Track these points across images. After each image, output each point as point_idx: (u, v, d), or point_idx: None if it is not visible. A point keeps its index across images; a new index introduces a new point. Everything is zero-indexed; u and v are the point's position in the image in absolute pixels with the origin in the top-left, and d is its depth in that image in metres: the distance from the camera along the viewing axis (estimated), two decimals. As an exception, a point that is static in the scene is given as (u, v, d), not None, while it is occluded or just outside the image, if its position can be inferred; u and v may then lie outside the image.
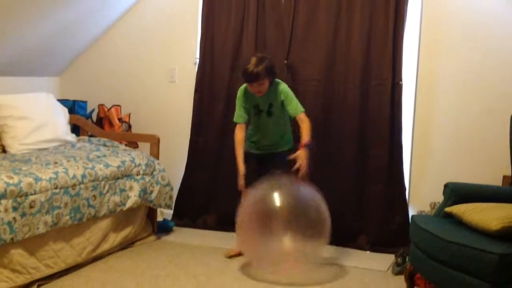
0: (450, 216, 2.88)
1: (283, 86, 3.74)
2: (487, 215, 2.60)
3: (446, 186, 3.09)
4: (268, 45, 4.35)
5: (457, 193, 3.00)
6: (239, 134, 3.79)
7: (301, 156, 3.48)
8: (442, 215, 2.98)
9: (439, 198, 3.22)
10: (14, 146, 3.91)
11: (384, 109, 4.06)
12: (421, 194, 4.14)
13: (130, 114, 4.80)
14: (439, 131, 4.10)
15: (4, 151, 3.93)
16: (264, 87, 3.66)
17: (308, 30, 4.24)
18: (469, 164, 4.00)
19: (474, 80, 3.98)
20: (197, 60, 4.59)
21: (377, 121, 4.09)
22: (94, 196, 3.52)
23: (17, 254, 3.03)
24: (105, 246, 3.71)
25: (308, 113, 4.24)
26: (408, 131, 4.17)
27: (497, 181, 3.67)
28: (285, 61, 4.28)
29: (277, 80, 3.76)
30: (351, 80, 4.14)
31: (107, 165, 3.69)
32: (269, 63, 3.64)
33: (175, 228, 4.45)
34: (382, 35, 4.04)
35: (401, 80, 4.03)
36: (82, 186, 3.42)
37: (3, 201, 2.88)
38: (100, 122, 4.75)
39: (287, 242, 3.29)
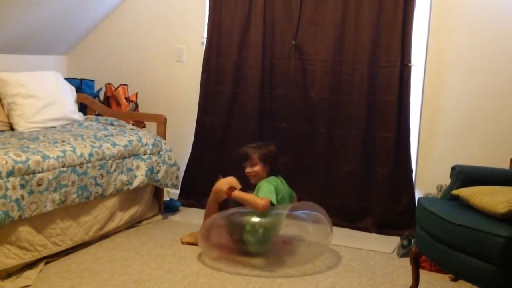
0: (456, 199, 2.87)
1: (262, 182, 3.51)
2: (494, 198, 2.59)
3: (453, 168, 3.08)
4: (276, 25, 4.33)
5: (464, 175, 2.98)
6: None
7: (219, 183, 3.51)
8: (448, 197, 2.97)
9: (446, 180, 3.22)
10: (22, 124, 3.92)
11: (392, 90, 4.04)
12: (427, 176, 4.14)
13: (137, 93, 4.79)
14: (447, 113, 4.08)
15: (12, 129, 3.94)
16: (256, 170, 3.57)
17: (316, 10, 4.21)
18: (476, 147, 3.99)
19: (483, 63, 3.94)
20: (205, 40, 4.57)
21: (385, 102, 4.08)
22: (101, 175, 3.53)
23: (25, 232, 3.05)
24: (112, 225, 3.73)
25: (315, 94, 4.27)
26: (416, 113, 4.15)
27: (504, 164, 3.65)
28: (293, 42, 4.25)
29: (270, 179, 3.54)
30: (360, 61, 4.11)
31: (114, 144, 3.70)
32: (269, 151, 3.60)
33: (181, 208, 4.47)
34: (391, 15, 4.00)
35: (410, 61, 4.01)
36: (89, 164, 3.43)
37: (11, 179, 2.89)
38: (107, 101, 4.75)
39: None
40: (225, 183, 3.54)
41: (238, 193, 3.43)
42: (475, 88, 3.98)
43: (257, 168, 3.58)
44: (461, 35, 3.99)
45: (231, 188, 3.47)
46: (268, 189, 3.42)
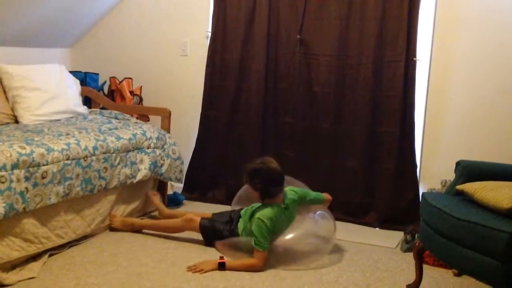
0: (461, 194, 2.86)
1: (261, 213, 3.27)
2: (498, 194, 2.58)
3: (458, 163, 3.07)
4: (281, 19, 4.32)
5: (469, 171, 2.98)
6: None
7: (205, 263, 3.19)
8: (453, 192, 2.96)
9: (450, 176, 3.21)
10: (27, 117, 3.92)
11: (397, 85, 4.03)
12: (432, 171, 4.13)
13: (141, 87, 4.79)
14: (452, 108, 4.07)
15: (16, 121, 3.94)
16: (252, 194, 3.42)
17: (321, 4, 4.20)
18: (481, 142, 3.97)
19: (489, 59, 3.93)
20: (209, 34, 4.57)
21: (390, 97, 4.07)
22: (105, 168, 3.53)
23: (29, 224, 3.06)
24: (116, 218, 3.75)
25: (320, 89, 4.26)
26: (421, 108, 4.14)
27: (509, 160, 3.62)
28: (298, 36, 4.25)
29: (273, 204, 3.34)
30: (365, 55, 4.11)
31: (118, 138, 3.71)
32: (251, 171, 3.34)
33: (185, 201, 4.48)
34: (397, 10, 3.99)
35: (415, 56, 4.00)
36: (93, 158, 3.44)
37: (16, 171, 2.90)
38: (111, 94, 4.75)
39: None
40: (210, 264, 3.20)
41: (230, 264, 3.19)
42: (481, 84, 3.97)
43: (253, 193, 3.43)
44: (467, 30, 3.97)
45: (222, 263, 3.18)
46: (260, 234, 3.22)
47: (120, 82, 4.72)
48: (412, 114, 4.05)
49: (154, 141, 3.99)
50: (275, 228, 3.29)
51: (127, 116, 4.33)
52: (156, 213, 4.07)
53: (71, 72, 4.59)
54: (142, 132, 3.94)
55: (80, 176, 3.33)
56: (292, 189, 3.52)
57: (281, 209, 3.35)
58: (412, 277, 3.10)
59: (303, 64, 4.28)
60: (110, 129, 3.81)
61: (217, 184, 4.60)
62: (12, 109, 3.96)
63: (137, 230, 3.73)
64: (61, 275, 2.99)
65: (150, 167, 3.92)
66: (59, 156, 3.18)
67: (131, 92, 4.71)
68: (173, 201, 4.38)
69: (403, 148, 4.07)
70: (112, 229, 3.70)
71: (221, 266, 3.17)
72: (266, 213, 3.29)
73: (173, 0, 4.77)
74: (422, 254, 3.04)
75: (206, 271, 3.12)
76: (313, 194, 3.59)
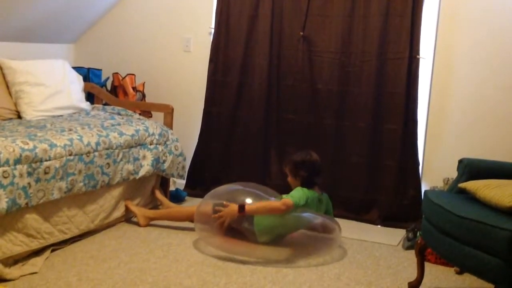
0: (463, 192, 2.86)
1: (296, 188, 3.51)
2: (501, 192, 2.58)
3: (460, 161, 3.07)
4: (285, 16, 4.32)
5: (472, 169, 2.97)
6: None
7: (228, 208, 3.38)
8: (455, 190, 2.96)
9: (453, 174, 3.21)
10: (29, 112, 3.92)
11: (400, 83, 4.03)
12: (434, 169, 4.12)
13: (144, 83, 4.79)
14: (455, 106, 4.06)
15: (19, 117, 3.94)
16: (292, 183, 3.59)
17: (325, 1, 4.19)
18: (484, 140, 3.97)
19: (492, 56, 3.92)
20: (212, 30, 4.57)
21: (393, 95, 4.07)
22: (108, 164, 3.54)
23: (32, 219, 3.07)
24: (117, 214, 3.75)
25: (323, 86, 4.25)
26: (424, 106, 4.13)
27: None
28: (301, 33, 4.24)
29: (304, 189, 3.48)
30: (368, 52, 4.10)
31: (121, 134, 3.71)
32: (298, 161, 3.56)
33: (187, 198, 4.48)
34: (400, 7, 3.99)
35: (418, 54, 3.99)
36: (96, 153, 3.44)
37: (18, 166, 2.90)
38: (114, 90, 4.75)
39: None
40: (232, 207, 3.39)
41: (250, 207, 3.38)
42: (484, 81, 3.96)
43: (289, 179, 3.63)
44: (470, 28, 3.96)
45: (242, 206, 3.36)
46: (298, 194, 3.41)
47: (123, 78, 4.72)
48: (415, 112, 4.05)
49: (157, 137, 4.00)
50: (306, 206, 3.41)
51: (130, 112, 4.33)
52: (160, 208, 4.07)
53: (74, 67, 4.59)
54: (144, 128, 3.95)
55: (82, 172, 3.33)
56: (328, 198, 3.71)
57: (317, 196, 3.53)
58: (414, 275, 3.09)
59: (306, 60, 4.28)
60: (112, 125, 3.81)
61: (219, 181, 4.58)
62: (15, 105, 3.97)
63: (148, 216, 3.79)
64: (63, 270, 3.00)
65: (152, 163, 3.92)
66: (62, 152, 3.19)
67: (134, 88, 4.71)
68: (175, 198, 4.38)
69: (406, 145, 4.07)
70: (126, 210, 3.81)
71: (241, 209, 3.33)
72: (307, 190, 3.48)
73: (177, -4, 4.78)
74: (424, 251, 3.04)
75: (227, 222, 3.36)
76: (332, 214, 3.75)
